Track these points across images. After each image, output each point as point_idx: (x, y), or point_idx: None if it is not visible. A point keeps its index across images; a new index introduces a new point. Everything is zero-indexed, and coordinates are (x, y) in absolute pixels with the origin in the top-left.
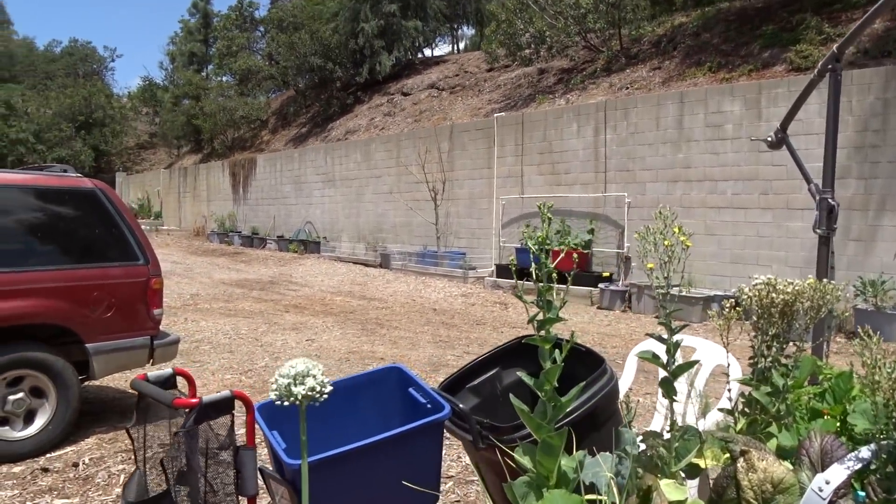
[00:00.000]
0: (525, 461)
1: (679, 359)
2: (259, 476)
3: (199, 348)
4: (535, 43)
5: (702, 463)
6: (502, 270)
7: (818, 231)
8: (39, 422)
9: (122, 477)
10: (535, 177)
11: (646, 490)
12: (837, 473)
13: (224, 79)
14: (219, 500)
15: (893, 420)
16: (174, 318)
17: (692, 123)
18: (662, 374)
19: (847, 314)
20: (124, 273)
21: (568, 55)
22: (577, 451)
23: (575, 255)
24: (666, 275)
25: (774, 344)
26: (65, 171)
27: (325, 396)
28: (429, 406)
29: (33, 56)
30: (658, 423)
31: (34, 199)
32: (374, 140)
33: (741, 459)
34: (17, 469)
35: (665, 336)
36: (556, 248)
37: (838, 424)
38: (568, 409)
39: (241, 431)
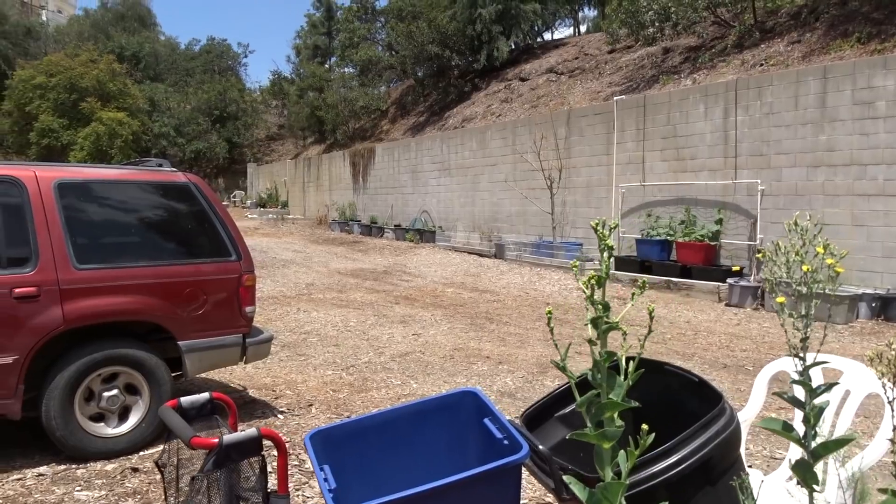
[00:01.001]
0: None
1: (823, 429)
2: None
3: (306, 340)
4: (659, 20)
5: None
6: (621, 263)
7: None
8: (133, 419)
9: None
10: (658, 163)
11: None
12: None
13: (346, 70)
14: None
15: None
16: (287, 308)
17: (837, 101)
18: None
19: None
20: (217, 269)
21: (695, 32)
22: None
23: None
24: (806, 320)
25: None
26: (160, 165)
27: None
28: (505, 442)
29: (175, 55)
30: (785, 472)
31: (131, 194)
32: (489, 128)
33: None
34: (109, 467)
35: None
36: (681, 240)
37: None
38: (673, 460)
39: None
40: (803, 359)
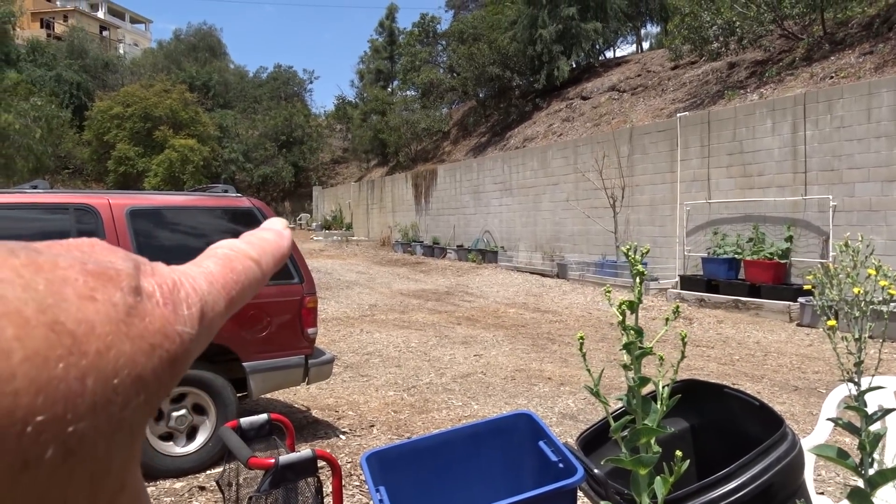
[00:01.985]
0: None
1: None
2: None
3: (368, 361)
4: (723, 35)
5: None
6: (687, 282)
7: None
8: (200, 438)
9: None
10: (724, 180)
11: None
12: None
13: (408, 93)
14: None
15: None
16: (351, 329)
17: None
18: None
19: None
20: (280, 292)
21: (761, 45)
22: None
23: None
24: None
25: None
26: (225, 190)
27: None
28: (560, 465)
29: (244, 83)
30: None
31: (198, 219)
32: (550, 147)
33: None
34: (178, 485)
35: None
36: (749, 258)
37: None
38: (733, 485)
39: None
40: (858, 383)
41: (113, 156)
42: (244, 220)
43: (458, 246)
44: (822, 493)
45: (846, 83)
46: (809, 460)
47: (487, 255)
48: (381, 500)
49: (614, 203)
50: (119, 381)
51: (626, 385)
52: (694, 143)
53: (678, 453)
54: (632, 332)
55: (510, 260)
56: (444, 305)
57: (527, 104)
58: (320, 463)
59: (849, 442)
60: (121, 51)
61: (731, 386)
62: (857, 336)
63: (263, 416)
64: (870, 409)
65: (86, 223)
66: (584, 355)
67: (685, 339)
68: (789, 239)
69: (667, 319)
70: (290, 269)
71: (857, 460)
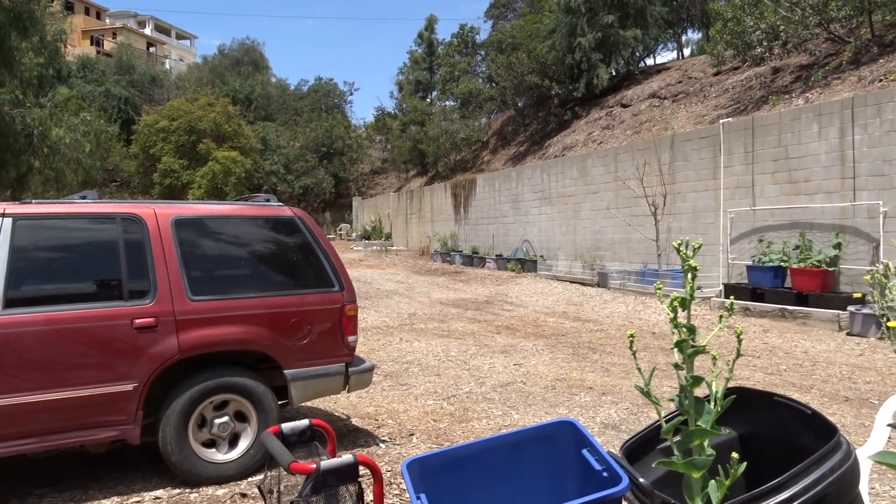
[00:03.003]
0: None
1: None
2: None
3: (408, 370)
4: (767, 39)
5: None
6: (732, 290)
7: None
8: (242, 445)
9: None
10: (769, 186)
11: None
12: None
13: (447, 103)
14: None
15: None
16: (390, 338)
17: None
18: None
19: None
20: (320, 300)
21: (807, 49)
22: None
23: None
24: None
25: None
26: (268, 200)
27: None
28: (605, 474)
29: (286, 96)
30: None
31: (240, 228)
32: (590, 155)
33: None
34: (220, 492)
35: None
36: (796, 266)
37: None
38: (785, 496)
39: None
40: None
41: (158, 168)
42: (286, 230)
43: (497, 255)
44: None
45: None
46: (864, 471)
47: (527, 265)
48: None
49: (655, 211)
50: None
51: (668, 395)
52: (737, 150)
53: (734, 455)
54: (684, 329)
55: (550, 269)
56: (483, 314)
57: (566, 113)
58: (361, 469)
59: None
60: (167, 66)
61: (782, 394)
62: None
63: (305, 422)
64: None
65: (132, 233)
66: (634, 353)
67: (741, 336)
68: (837, 246)
69: (721, 316)
70: (330, 276)
71: None
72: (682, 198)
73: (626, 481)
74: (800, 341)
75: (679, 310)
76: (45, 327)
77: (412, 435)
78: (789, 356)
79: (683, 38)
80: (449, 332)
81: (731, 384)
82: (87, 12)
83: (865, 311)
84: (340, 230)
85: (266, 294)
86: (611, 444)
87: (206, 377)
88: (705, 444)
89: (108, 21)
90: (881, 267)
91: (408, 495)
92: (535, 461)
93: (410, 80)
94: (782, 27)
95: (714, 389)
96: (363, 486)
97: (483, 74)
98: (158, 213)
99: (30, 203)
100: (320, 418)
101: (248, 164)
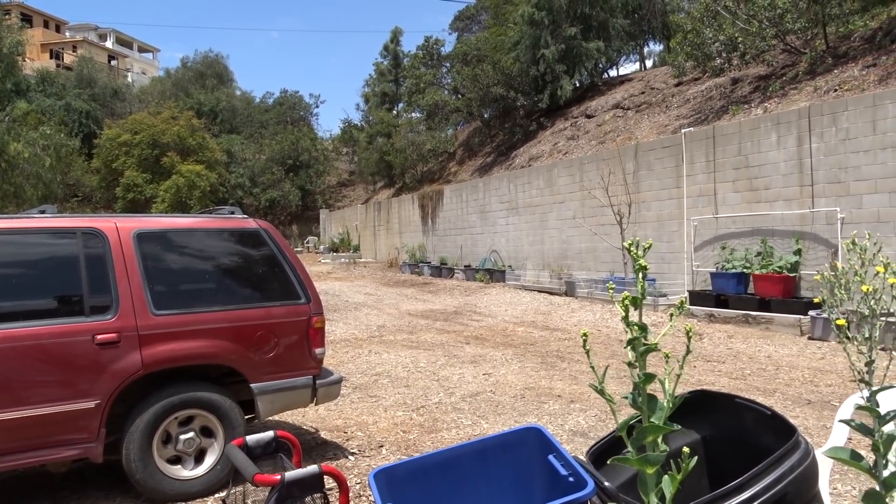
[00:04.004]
0: None
1: None
2: None
3: (377, 382)
4: (726, 51)
5: None
6: (696, 297)
7: None
8: (209, 461)
9: None
10: (730, 194)
11: None
12: None
13: (413, 115)
14: None
15: None
16: (359, 350)
17: None
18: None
19: None
20: (287, 312)
21: (764, 60)
22: None
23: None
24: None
25: None
26: (232, 212)
27: None
28: (570, 479)
29: (251, 108)
30: None
31: (204, 241)
32: (556, 165)
33: None
34: None
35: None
36: (758, 272)
37: None
38: (746, 496)
39: None
40: (869, 384)
41: (121, 183)
42: (251, 242)
43: (465, 266)
44: None
45: (850, 96)
46: (824, 471)
47: (495, 275)
48: None
49: (621, 220)
50: None
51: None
52: (699, 159)
53: (685, 450)
54: (635, 327)
55: (518, 279)
56: (452, 325)
57: (531, 123)
58: (328, 481)
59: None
60: (129, 79)
61: (742, 396)
62: (867, 335)
63: (269, 434)
64: (882, 412)
65: (93, 247)
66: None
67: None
68: (798, 252)
69: (671, 315)
70: (296, 288)
71: (871, 462)
72: (647, 206)
73: (591, 486)
74: (763, 346)
75: (631, 308)
76: (4, 344)
77: (381, 446)
78: (753, 361)
79: (645, 49)
80: (418, 344)
81: (695, 388)
82: (46, 25)
83: (825, 315)
84: (308, 243)
85: (231, 307)
86: (579, 450)
87: (170, 392)
88: (659, 440)
89: (68, 34)
90: (828, 266)
91: None
92: (502, 468)
93: (377, 92)
94: (740, 39)
95: (667, 387)
96: (329, 497)
97: (449, 86)
98: (120, 226)
99: None
100: (290, 432)
101: (214, 177)
